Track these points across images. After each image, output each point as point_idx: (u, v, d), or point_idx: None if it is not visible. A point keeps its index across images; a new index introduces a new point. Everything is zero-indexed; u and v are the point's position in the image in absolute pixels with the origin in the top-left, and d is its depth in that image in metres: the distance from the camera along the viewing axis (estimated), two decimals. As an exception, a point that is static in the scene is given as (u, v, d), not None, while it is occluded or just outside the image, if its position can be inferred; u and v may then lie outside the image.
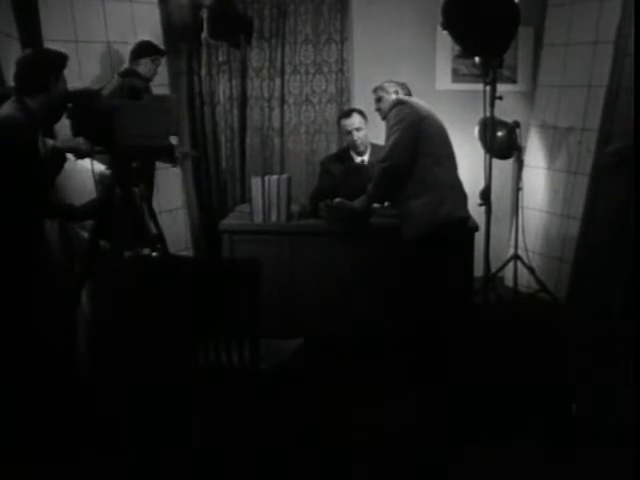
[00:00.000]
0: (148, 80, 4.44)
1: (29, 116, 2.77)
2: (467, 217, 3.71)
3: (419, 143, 3.53)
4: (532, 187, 4.95)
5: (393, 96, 3.69)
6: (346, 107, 5.09)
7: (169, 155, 4.41)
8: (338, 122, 4.52)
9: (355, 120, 4.28)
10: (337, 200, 3.88)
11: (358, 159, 4.36)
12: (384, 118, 3.72)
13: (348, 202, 3.81)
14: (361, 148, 4.32)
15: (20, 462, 2.63)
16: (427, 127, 3.56)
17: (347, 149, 4.45)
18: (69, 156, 3.11)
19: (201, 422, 2.80)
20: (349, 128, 4.29)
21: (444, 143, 3.66)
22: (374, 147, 4.35)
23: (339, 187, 4.17)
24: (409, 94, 3.76)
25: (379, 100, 3.76)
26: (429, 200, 3.51)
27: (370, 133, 4.34)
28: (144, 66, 4.44)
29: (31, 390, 2.75)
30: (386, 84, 3.76)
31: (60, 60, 2.88)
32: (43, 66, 2.83)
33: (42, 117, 2.87)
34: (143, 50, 4.47)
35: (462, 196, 3.70)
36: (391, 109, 3.62)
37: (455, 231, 3.60)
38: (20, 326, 2.71)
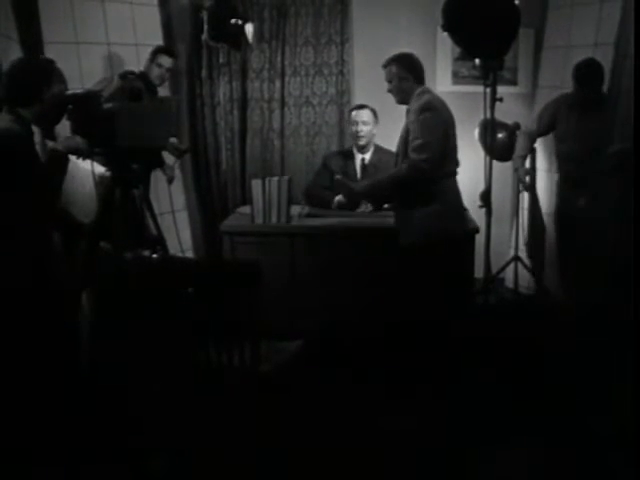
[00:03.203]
0: (156, 85, 4.43)
1: (25, 127, 2.76)
2: (467, 230, 3.65)
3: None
4: (532, 189, 4.95)
5: (415, 82, 3.46)
6: (346, 109, 5.10)
7: (159, 163, 4.43)
8: (349, 116, 4.53)
9: (365, 114, 4.31)
10: (338, 177, 3.84)
11: (359, 157, 4.37)
12: (403, 101, 3.49)
13: (348, 182, 3.74)
14: (362, 142, 4.32)
15: (22, 462, 2.63)
16: (451, 130, 3.44)
17: (351, 148, 4.47)
18: (70, 157, 3.11)
19: (201, 422, 2.80)
20: (357, 119, 4.31)
21: (455, 150, 3.53)
22: (378, 149, 4.36)
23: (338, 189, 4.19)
24: None
25: (401, 79, 3.45)
26: (432, 211, 3.42)
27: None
28: (150, 69, 4.44)
29: (33, 390, 2.74)
30: (415, 61, 3.48)
31: (49, 67, 2.87)
32: (34, 77, 2.81)
33: (41, 119, 2.86)
34: (150, 52, 4.47)
35: (461, 208, 3.64)
36: (420, 95, 3.41)
37: (455, 244, 3.51)
38: (20, 327, 2.71)
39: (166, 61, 4.47)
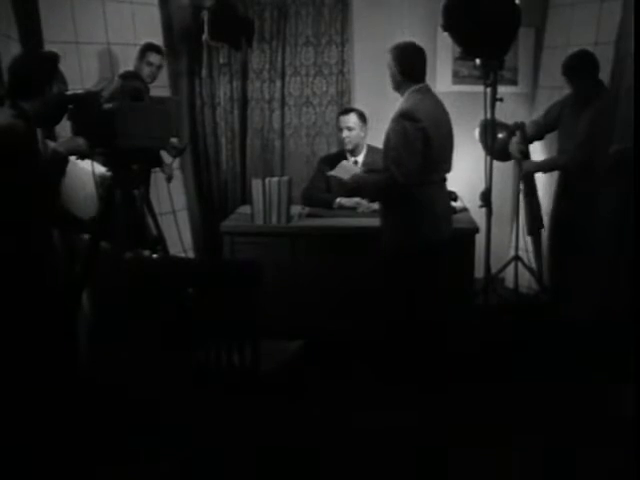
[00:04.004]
0: (147, 83, 4.43)
1: (28, 121, 2.77)
2: (445, 237, 3.51)
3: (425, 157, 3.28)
4: (532, 189, 4.93)
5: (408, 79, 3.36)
6: (347, 109, 5.10)
7: (158, 163, 4.43)
8: (337, 121, 4.53)
9: (350, 119, 4.31)
10: (332, 172, 3.81)
11: (351, 159, 4.37)
12: (398, 91, 3.42)
13: (341, 178, 3.70)
14: (349, 147, 4.34)
15: (22, 463, 2.63)
16: (436, 139, 3.31)
17: (343, 151, 4.47)
18: (70, 157, 3.11)
19: (201, 422, 2.80)
20: (342, 125, 4.33)
21: (448, 157, 3.44)
22: (371, 150, 4.35)
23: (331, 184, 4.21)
24: None
25: (394, 73, 3.37)
26: (407, 218, 3.36)
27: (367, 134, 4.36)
28: (140, 68, 4.43)
29: (32, 391, 2.74)
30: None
31: (53, 60, 2.88)
32: (38, 69, 2.82)
33: (42, 119, 2.86)
34: (139, 50, 4.47)
35: (446, 213, 3.56)
36: (411, 95, 3.34)
37: (433, 252, 3.41)
38: (20, 327, 2.71)
39: (155, 58, 4.47)
